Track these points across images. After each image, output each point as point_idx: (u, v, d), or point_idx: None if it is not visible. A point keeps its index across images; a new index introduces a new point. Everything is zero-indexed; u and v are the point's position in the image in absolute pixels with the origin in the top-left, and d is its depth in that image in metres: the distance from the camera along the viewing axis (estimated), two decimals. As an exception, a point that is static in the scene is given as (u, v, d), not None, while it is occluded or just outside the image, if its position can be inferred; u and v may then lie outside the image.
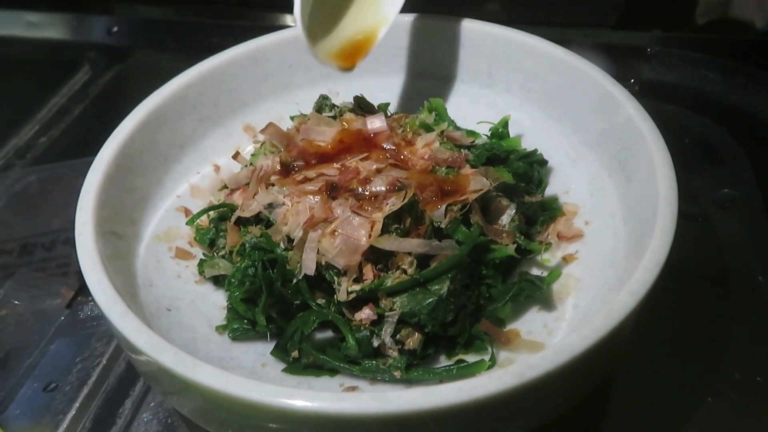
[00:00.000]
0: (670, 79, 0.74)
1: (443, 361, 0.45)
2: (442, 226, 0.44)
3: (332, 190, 0.45)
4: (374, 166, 0.47)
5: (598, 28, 0.83)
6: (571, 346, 0.34)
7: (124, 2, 0.98)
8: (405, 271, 0.43)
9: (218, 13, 0.92)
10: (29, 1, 0.94)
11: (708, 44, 0.78)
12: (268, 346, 0.46)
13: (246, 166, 0.54)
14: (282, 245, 0.45)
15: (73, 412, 0.49)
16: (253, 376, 0.44)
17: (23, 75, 0.87)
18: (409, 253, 0.43)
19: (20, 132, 0.76)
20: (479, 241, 0.44)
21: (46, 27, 0.92)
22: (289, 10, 0.68)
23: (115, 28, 0.89)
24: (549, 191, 0.54)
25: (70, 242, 0.43)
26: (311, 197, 0.45)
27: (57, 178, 0.67)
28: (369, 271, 0.43)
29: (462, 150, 0.50)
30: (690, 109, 0.70)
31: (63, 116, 0.78)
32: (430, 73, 0.61)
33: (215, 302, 0.49)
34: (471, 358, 0.44)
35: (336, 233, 0.43)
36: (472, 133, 0.55)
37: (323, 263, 0.43)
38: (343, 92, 0.60)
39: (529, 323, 0.46)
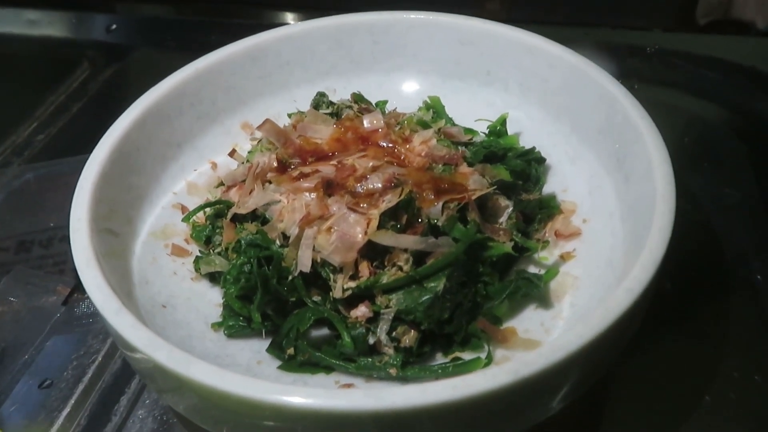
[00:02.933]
0: (669, 78, 0.74)
1: (440, 359, 0.45)
2: (439, 223, 0.44)
3: (328, 187, 0.45)
4: (371, 164, 0.46)
5: (597, 27, 0.83)
6: (568, 344, 0.34)
7: (125, 1, 0.98)
8: (401, 268, 0.43)
9: (218, 12, 0.92)
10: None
11: (708, 44, 0.78)
12: (264, 343, 0.46)
13: (243, 163, 0.54)
14: (278, 242, 0.45)
15: (68, 409, 0.49)
16: (249, 373, 0.43)
17: (22, 73, 0.87)
18: (405, 250, 0.43)
19: (18, 130, 0.75)
20: (476, 238, 0.44)
21: (45, 25, 0.92)
22: (289, 8, 0.68)
23: (114, 26, 0.89)
24: (547, 189, 0.53)
25: (67, 240, 0.43)
26: (307, 194, 0.45)
27: (54, 175, 0.67)
28: (365, 269, 0.43)
29: (459, 147, 0.49)
30: (690, 108, 0.70)
31: (61, 114, 0.78)
32: (429, 71, 0.61)
33: (211, 299, 0.49)
34: (468, 356, 0.44)
35: (332, 230, 0.43)
36: (469, 131, 0.55)
37: (319, 260, 0.43)
38: (340, 90, 0.60)
39: (526, 321, 0.46)
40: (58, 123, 0.77)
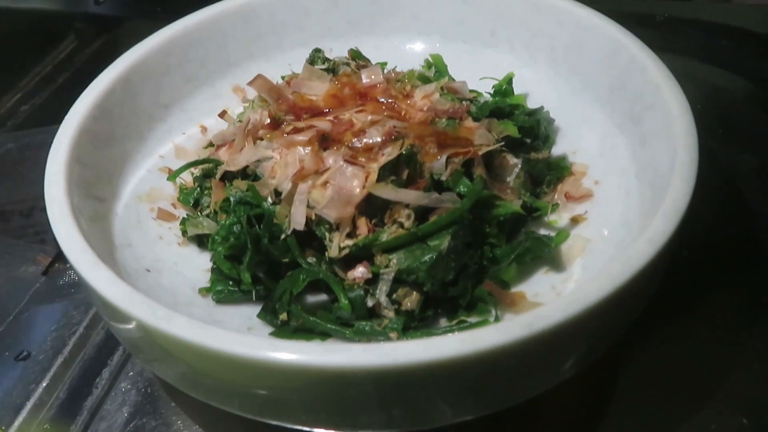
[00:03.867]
0: (681, 46, 0.71)
1: (444, 325, 0.42)
2: (443, 178, 0.41)
3: (324, 142, 0.42)
4: (369, 118, 0.43)
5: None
6: (586, 296, 0.31)
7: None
8: (402, 225, 0.40)
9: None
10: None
11: (719, 11, 0.75)
12: (255, 309, 0.43)
13: (233, 124, 0.51)
14: (270, 200, 0.42)
15: (46, 381, 0.46)
16: (238, 340, 0.40)
17: (7, 45, 0.84)
18: (407, 206, 0.40)
19: (1, 100, 0.72)
20: (482, 195, 0.41)
21: (31, -2, 0.89)
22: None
23: (104, -2, 0.86)
24: (556, 151, 0.50)
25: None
26: (301, 149, 0.42)
27: (36, 144, 0.64)
28: (363, 225, 0.40)
29: (464, 102, 0.46)
30: (702, 76, 0.67)
31: (46, 85, 0.75)
32: (429, 33, 0.58)
33: (199, 265, 0.46)
34: (474, 321, 0.41)
35: (328, 185, 0.40)
36: (473, 92, 0.52)
37: (314, 218, 0.40)
38: (337, 51, 0.57)
39: (536, 285, 0.43)
40: (43, 94, 0.74)
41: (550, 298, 0.41)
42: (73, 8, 0.87)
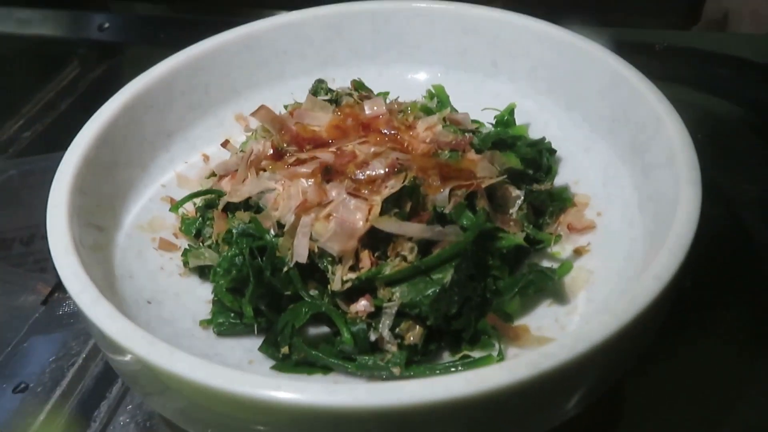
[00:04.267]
0: (680, 75, 0.72)
1: (447, 359, 0.41)
2: (446, 211, 0.41)
3: (327, 174, 0.42)
4: (372, 149, 0.44)
5: (603, 26, 0.81)
6: (592, 334, 0.30)
7: (119, 0, 0.96)
8: (405, 258, 0.39)
9: (213, 11, 0.90)
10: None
11: (717, 41, 0.76)
12: (256, 341, 0.42)
13: (236, 153, 0.51)
14: (272, 232, 0.42)
15: (44, 415, 0.45)
16: (239, 373, 0.40)
17: (10, 71, 0.85)
18: (410, 239, 0.40)
19: (3, 126, 0.72)
20: (485, 227, 0.41)
21: (36, 24, 0.90)
22: (284, 7, 0.65)
23: (107, 25, 0.87)
24: (558, 181, 0.50)
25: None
26: (304, 180, 0.42)
27: (38, 171, 0.64)
28: (366, 258, 0.39)
29: (466, 133, 0.46)
30: (702, 105, 0.67)
31: (49, 111, 0.75)
32: (431, 62, 0.59)
33: (200, 296, 0.45)
34: (477, 355, 0.40)
35: (331, 217, 0.40)
36: (475, 122, 0.52)
37: (316, 250, 0.40)
38: (339, 80, 0.57)
39: (539, 318, 0.42)
40: (45, 120, 0.74)
41: (554, 332, 0.41)
42: (77, 34, 0.88)
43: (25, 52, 0.87)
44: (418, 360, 0.40)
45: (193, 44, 0.56)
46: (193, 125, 0.55)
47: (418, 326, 0.39)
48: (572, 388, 0.33)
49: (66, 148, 0.46)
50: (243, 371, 0.35)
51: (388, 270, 0.39)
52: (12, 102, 0.76)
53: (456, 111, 0.52)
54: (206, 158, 0.54)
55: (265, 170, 0.45)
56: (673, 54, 0.74)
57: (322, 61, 0.59)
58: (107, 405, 0.46)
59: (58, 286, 0.53)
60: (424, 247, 0.40)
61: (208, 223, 0.47)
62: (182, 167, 0.53)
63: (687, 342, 0.47)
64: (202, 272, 0.46)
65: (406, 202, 0.40)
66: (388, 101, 0.54)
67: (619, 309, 0.32)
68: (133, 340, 0.33)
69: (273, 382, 0.30)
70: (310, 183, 0.41)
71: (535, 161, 0.48)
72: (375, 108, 0.48)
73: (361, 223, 0.39)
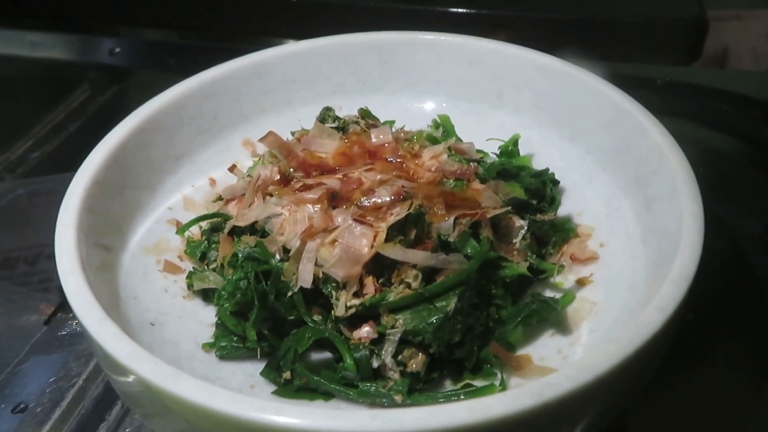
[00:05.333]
0: (681, 110, 0.73)
1: (449, 388, 0.41)
2: (450, 239, 0.41)
3: (333, 200, 0.43)
4: (378, 177, 0.44)
5: (605, 61, 0.82)
6: (596, 364, 0.31)
7: (129, 26, 0.98)
8: (409, 286, 0.40)
9: (222, 38, 0.91)
10: (33, 22, 0.94)
11: (718, 77, 0.77)
12: (258, 366, 0.42)
13: (243, 178, 0.51)
14: (278, 256, 0.42)
15: (42, 436, 0.45)
16: (241, 398, 0.40)
17: (21, 93, 0.86)
18: (414, 266, 0.40)
19: (12, 147, 0.73)
20: (489, 256, 0.41)
21: (47, 47, 0.91)
22: (292, 36, 0.66)
23: (118, 50, 0.88)
24: (562, 212, 0.51)
25: (54, 256, 0.40)
26: (310, 206, 0.42)
27: (46, 191, 0.64)
28: (370, 285, 0.40)
29: (471, 163, 0.47)
30: (703, 140, 0.68)
31: (58, 133, 0.76)
32: (437, 93, 0.60)
33: (203, 319, 0.46)
34: (479, 384, 0.40)
35: (336, 243, 0.40)
36: (480, 152, 0.53)
37: (321, 276, 0.40)
38: (347, 108, 0.58)
39: (542, 348, 0.42)
40: (54, 142, 0.75)
41: (557, 362, 0.41)
42: (88, 58, 0.89)
43: (36, 74, 0.88)
44: (420, 388, 0.40)
45: (203, 70, 0.57)
46: (202, 149, 0.56)
47: (420, 354, 0.39)
48: (575, 418, 0.33)
49: (73, 170, 0.46)
50: (245, 395, 0.35)
51: (391, 297, 0.39)
52: (22, 123, 0.77)
53: (461, 141, 0.53)
54: (213, 182, 0.55)
55: (271, 195, 0.45)
56: (674, 89, 0.75)
57: (330, 90, 0.60)
58: (106, 427, 0.45)
59: (61, 307, 0.53)
60: (428, 274, 0.41)
61: (213, 246, 0.47)
62: (189, 190, 0.54)
63: (689, 374, 0.47)
64: (206, 295, 0.46)
65: (410, 229, 0.41)
66: (394, 130, 0.55)
67: (623, 340, 0.32)
68: (137, 361, 0.33)
69: (275, 406, 0.30)
70: (316, 209, 0.42)
71: (538, 192, 0.48)
72: (381, 136, 0.48)
73: (366, 249, 0.39)
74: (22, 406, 0.46)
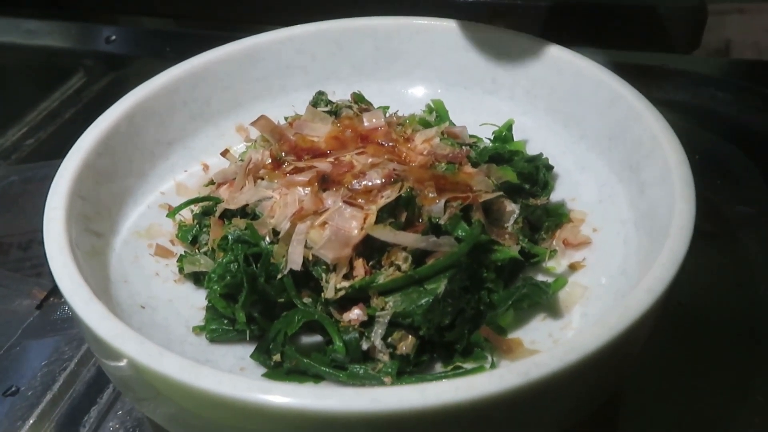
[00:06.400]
0: (679, 98, 0.72)
1: (439, 370, 0.41)
2: (441, 222, 0.41)
3: (324, 183, 0.42)
4: (370, 160, 0.44)
5: (606, 49, 0.82)
6: (583, 345, 0.30)
7: (127, 14, 0.97)
8: (399, 268, 0.39)
9: (220, 27, 0.91)
10: (30, 10, 0.93)
11: (717, 65, 0.76)
12: (248, 348, 0.42)
13: (235, 162, 0.51)
14: (267, 239, 0.42)
15: (33, 419, 0.45)
16: (230, 380, 0.40)
17: (16, 80, 0.86)
18: (404, 249, 0.40)
19: (6, 133, 0.73)
20: (480, 239, 0.41)
21: (43, 35, 0.91)
22: (288, 23, 0.66)
23: (114, 37, 0.88)
24: (555, 198, 0.51)
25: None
26: (301, 189, 0.42)
27: (39, 178, 0.64)
28: (360, 267, 0.39)
29: (463, 147, 0.47)
30: (701, 128, 0.68)
31: (52, 120, 0.76)
32: (432, 79, 0.59)
33: (194, 303, 0.45)
34: (469, 367, 0.40)
35: (326, 225, 0.40)
36: (474, 137, 0.53)
37: (311, 258, 0.40)
38: (340, 93, 0.58)
39: (533, 332, 0.42)
40: (49, 128, 0.74)
41: (547, 346, 0.41)
42: (84, 46, 0.89)
43: (31, 62, 0.88)
44: (410, 370, 0.40)
45: (197, 55, 0.56)
46: (194, 135, 0.55)
47: (410, 336, 0.39)
48: (562, 399, 0.33)
49: (70, 152, 0.46)
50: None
51: (381, 279, 0.39)
52: (16, 110, 0.77)
53: (454, 125, 0.53)
54: (206, 167, 0.55)
55: (263, 179, 0.45)
56: (671, 76, 0.74)
57: (324, 76, 0.59)
58: (97, 410, 0.46)
59: (54, 291, 0.53)
60: (419, 257, 0.40)
61: (204, 230, 0.47)
62: (182, 176, 0.54)
63: (679, 360, 0.46)
64: (197, 279, 0.46)
65: (401, 212, 0.41)
66: (387, 115, 0.55)
67: (611, 321, 0.32)
68: (123, 341, 0.33)
69: (261, 385, 0.30)
70: (306, 191, 0.42)
71: (531, 176, 0.48)
72: (374, 120, 0.48)
73: (356, 231, 0.39)
74: (13, 389, 0.46)
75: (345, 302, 0.40)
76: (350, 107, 0.51)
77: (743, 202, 0.58)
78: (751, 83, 0.71)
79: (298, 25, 0.59)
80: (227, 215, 0.45)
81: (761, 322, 0.49)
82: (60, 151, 0.72)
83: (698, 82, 0.73)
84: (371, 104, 0.53)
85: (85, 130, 0.48)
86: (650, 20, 0.82)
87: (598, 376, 0.33)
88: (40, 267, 0.56)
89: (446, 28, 0.58)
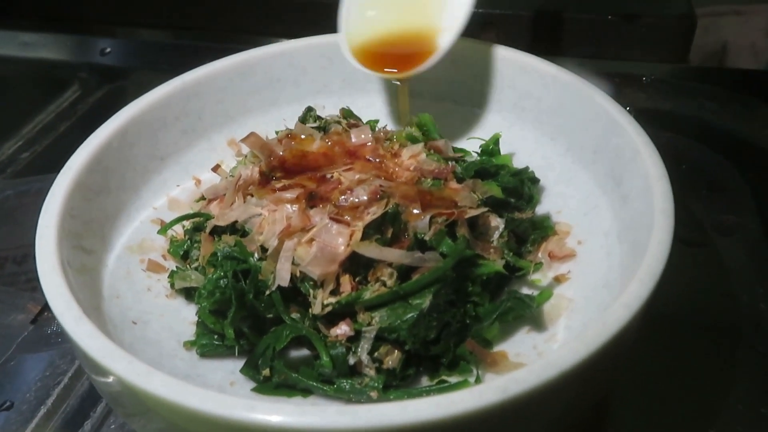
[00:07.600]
0: (666, 107, 0.73)
1: (426, 383, 0.42)
2: (426, 238, 0.42)
3: (311, 200, 0.43)
4: (357, 176, 0.45)
5: (593, 59, 0.83)
6: (561, 361, 0.31)
7: (122, 25, 0.98)
8: (385, 284, 0.40)
9: (215, 38, 0.92)
10: (25, 22, 0.94)
11: (704, 74, 0.77)
12: (238, 363, 0.43)
13: (226, 178, 0.52)
14: (256, 255, 0.42)
15: (27, 432, 0.45)
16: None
17: (11, 93, 0.86)
18: (390, 265, 0.40)
19: (2, 147, 0.74)
20: (465, 254, 0.42)
21: (39, 47, 0.92)
22: (284, 35, 0.67)
23: (109, 50, 0.89)
24: (541, 210, 0.51)
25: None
26: (289, 206, 0.43)
27: (34, 192, 0.65)
28: (347, 283, 0.40)
29: (449, 162, 0.48)
30: (686, 137, 0.69)
31: (48, 133, 0.76)
32: (420, 93, 0.60)
33: (186, 317, 0.46)
34: (455, 380, 0.41)
35: (313, 242, 0.40)
36: (461, 151, 0.54)
37: (298, 274, 0.41)
38: (331, 107, 0.59)
39: (518, 345, 0.43)
40: (44, 142, 0.75)
41: (532, 358, 0.42)
42: (79, 58, 0.90)
43: (27, 74, 0.89)
44: (396, 384, 0.40)
45: (189, 70, 0.57)
46: (187, 150, 0.56)
47: (396, 351, 0.40)
48: (542, 413, 0.33)
49: (62, 170, 0.47)
50: (221, 392, 0.36)
51: (368, 294, 0.40)
52: (12, 123, 0.78)
53: (440, 138, 0.53)
54: (198, 182, 0.56)
55: (252, 195, 0.46)
56: (660, 86, 0.75)
57: (315, 90, 0.60)
58: (91, 424, 0.46)
59: (48, 306, 0.54)
60: (404, 273, 0.41)
61: (195, 245, 0.48)
62: (174, 191, 0.54)
63: (663, 369, 0.47)
64: (189, 294, 0.47)
65: (387, 228, 0.41)
66: (376, 129, 0.55)
67: (589, 336, 0.32)
68: (112, 359, 0.33)
69: (245, 403, 0.30)
70: (294, 208, 0.42)
71: (516, 190, 0.49)
72: (362, 136, 0.49)
73: (342, 247, 0.40)
74: (8, 404, 0.47)
75: (332, 317, 0.41)
76: (339, 122, 0.52)
77: (729, 211, 0.59)
78: (737, 92, 0.72)
79: (290, 40, 0.60)
80: (217, 231, 0.46)
81: (745, 331, 0.50)
82: (55, 165, 0.72)
83: (685, 91, 0.74)
84: (360, 119, 0.54)
85: (79, 142, 0.49)
86: (638, 30, 0.83)
87: (578, 390, 0.34)
88: (34, 281, 0.56)
89: (434, 42, 0.58)
